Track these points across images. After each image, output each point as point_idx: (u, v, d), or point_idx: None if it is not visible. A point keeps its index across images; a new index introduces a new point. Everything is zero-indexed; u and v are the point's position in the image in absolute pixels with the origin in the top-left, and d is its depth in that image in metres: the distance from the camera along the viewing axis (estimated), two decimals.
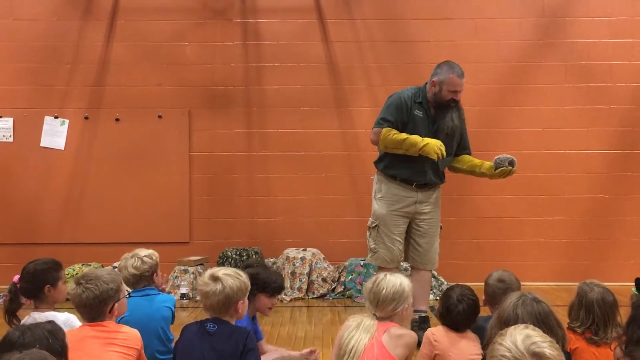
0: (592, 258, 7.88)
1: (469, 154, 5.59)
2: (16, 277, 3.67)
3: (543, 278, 7.76)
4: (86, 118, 7.97)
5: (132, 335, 3.21)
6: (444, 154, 5.05)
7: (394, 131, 5.23)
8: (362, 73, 8.00)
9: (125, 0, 8.02)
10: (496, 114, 7.97)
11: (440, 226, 5.57)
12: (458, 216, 7.92)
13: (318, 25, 8.06)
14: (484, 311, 3.71)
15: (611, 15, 8.00)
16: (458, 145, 5.50)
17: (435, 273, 7.35)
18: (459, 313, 3.43)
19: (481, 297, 3.72)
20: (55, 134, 7.95)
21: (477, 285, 3.82)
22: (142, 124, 7.94)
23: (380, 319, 3.26)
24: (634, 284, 6.56)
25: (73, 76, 8.01)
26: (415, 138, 5.11)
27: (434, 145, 5.02)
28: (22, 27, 7.98)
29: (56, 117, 7.96)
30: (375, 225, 5.41)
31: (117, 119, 7.97)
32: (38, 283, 3.63)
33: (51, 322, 2.66)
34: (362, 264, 7.21)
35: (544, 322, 2.62)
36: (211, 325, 3.20)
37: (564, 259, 7.89)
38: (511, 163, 5.23)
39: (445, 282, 7.23)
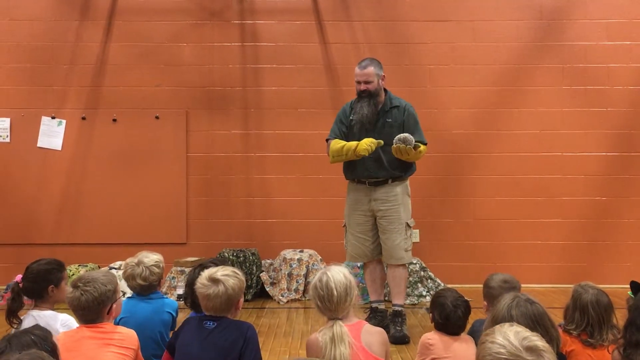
0: (589, 260, 7.88)
1: (420, 142, 5.56)
2: (18, 277, 3.68)
3: (539, 280, 7.76)
4: (83, 119, 7.97)
5: (128, 335, 3.22)
6: (372, 148, 5.27)
7: (335, 142, 5.59)
8: None
9: (123, 1, 8.02)
10: (494, 116, 7.98)
11: (406, 224, 5.59)
12: (454, 218, 7.93)
13: (316, 27, 8.07)
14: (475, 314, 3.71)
15: (609, 17, 8.01)
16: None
17: (432, 275, 7.35)
18: (459, 318, 3.44)
19: (480, 300, 3.72)
20: (52, 134, 7.94)
21: (474, 288, 3.83)
22: (139, 125, 7.94)
23: (342, 319, 3.16)
24: (629, 286, 6.57)
25: (70, 76, 8.00)
26: (350, 143, 5.44)
27: (363, 144, 5.33)
28: (19, 27, 7.97)
29: (53, 118, 7.95)
30: (344, 226, 5.87)
31: (114, 120, 7.96)
32: (42, 283, 3.67)
33: (38, 327, 2.66)
34: (359, 265, 7.20)
35: (539, 322, 2.62)
36: (210, 323, 3.20)
37: (561, 261, 7.90)
38: (402, 140, 5.28)
39: (442, 284, 7.22)
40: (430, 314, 3.54)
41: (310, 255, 7.46)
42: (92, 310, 3.17)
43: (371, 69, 5.57)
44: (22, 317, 3.58)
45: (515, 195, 7.94)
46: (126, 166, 7.92)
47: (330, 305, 3.14)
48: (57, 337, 2.71)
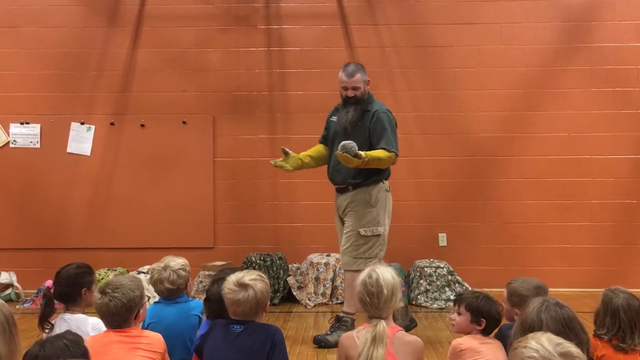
0: (619, 264, 7.78)
1: (383, 148, 5.46)
2: (49, 282, 3.71)
3: (568, 284, 7.68)
4: (112, 124, 8.05)
5: (155, 339, 3.25)
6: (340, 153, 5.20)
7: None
8: (385, 78, 7.99)
9: (150, 8, 8.09)
10: (521, 119, 7.92)
11: (358, 232, 5.47)
12: (481, 221, 7.88)
13: (341, 31, 8.08)
14: None
15: (638, 19, 7.93)
16: (372, 141, 5.50)
17: (460, 278, 7.31)
18: (499, 314, 3.49)
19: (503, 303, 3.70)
20: (81, 140, 8.03)
21: (502, 292, 3.80)
22: (166, 130, 8.00)
23: (385, 319, 3.14)
24: None
25: (99, 83, 8.09)
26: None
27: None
28: (49, 35, 8.08)
29: (82, 123, 8.04)
30: None
31: (142, 125, 8.03)
32: (75, 287, 3.72)
33: (70, 332, 2.69)
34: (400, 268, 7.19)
35: (569, 326, 2.59)
36: (237, 327, 3.22)
37: (590, 265, 7.81)
38: (342, 148, 5.21)
39: (470, 288, 7.18)
40: (477, 318, 3.49)
41: (337, 259, 7.45)
42: (120, 315, 3.20)
43: (358, 76, 5.56)
44: (53, 322, 3.62)
45: (544, 199, 7.87)
46: (154, 171, 7.98)
47: (378, 303, 3.12)
48: (86, 341, 2.73)
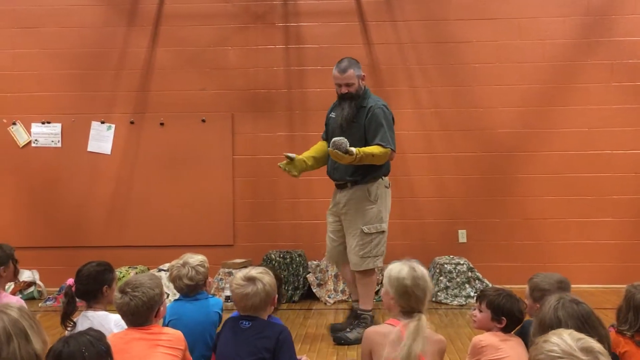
0: None
1: (378, 144, 5.44)
2: (70, 280, 3.75)
3: (590, 281, 7.63)
4: (132, 123, 8.10)
5: (175, 336, 3.27)
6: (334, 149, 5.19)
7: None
8: (404, 75, 7.98)
9: (169, 7, 8.13)
10: (540, 115, 7.87)
11: (361, 230, 5.46)
12: (501, 217, 7.85)
13: (359, 28, 8.07)
14: None
15: None
16: (367, 137, 5.49)
17: (480, 275, 7.28)
18: (521, 312, 3.50)
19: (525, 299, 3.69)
20: (101, 138, 8.09)
21: (522, 288, 3.79)
22: (186, 128, 8.04)
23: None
24: None
25: (119, 82, 8.14)
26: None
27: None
28: (69, 35, 8.14)
29: (102, 122, 8.10)
30: None
31: (161, 124, 8.07)
32: (97, 284, 3.75)
33: (92, 329, 2.71)
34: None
35: (587, 322, 2.57)
36: (246, 323, 3.26)
37: (612, 261, 7.75)
38: (332, 144, 5.22)
39: (490, 285, 7.15)
40: (497, 317, 3.48)
41: None
42: (141, 314, 3.22)
43: (351, 72, 5.53)
44: (75, 319, 3.65)
45: (564, 195, 7.82)
46: (173, 169, 8.02)
47: (423, 298, 3.14)
48: (107, 338, 2.76)
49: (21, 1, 8.16)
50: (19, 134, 8.11)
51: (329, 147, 5.27)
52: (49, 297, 7.40)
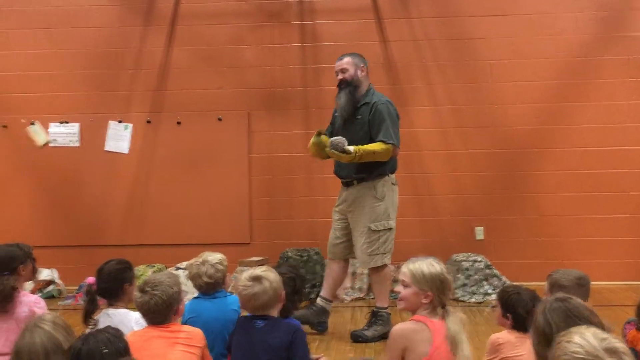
0: None
1: (380, 141, 5.43)
2: (90, 279, 3.78)
3: (609, 277, 7.59)
4: (148, 122, 8.14)
5: (194, 333, 3.30)
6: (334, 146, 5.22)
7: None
8: (420, 72, 7.97)
9: (185, 6, 8.16)
10: (557, 111, 7.83)
11: (369, 227, 5.46)
12: (519, 214, 7.82)
13: (375, 25, 8.06)
14: None
15: None
16: (371, 133, 5.48)
17: (498, 272, 7.26)
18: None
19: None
20: (119, 138, 8.14)
21: (541, 285, 3.77)
22: (202, 127, 8.07)
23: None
24: None
25: (135, 81, 8.19)
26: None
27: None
28: (86, 35, 8.20)
29: (120, 122, 8.15)
30: None
31: (178, 123, 8.11)
32: (117, 282, 3.80)
33: (111, 327, 2.74)
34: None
35: (576, 315, 2.46)
36: (259, 322, 3.27)
37: (631, 257, 7.70)
38: (330, 144, 5.26)
39: (508, 282, 7.12)
40: (505, 313, 3.47)
41: None
42: (161, 312, 3.25)
43: (348, 59, 5.60)
44: (96, 317, 3.68)
45: (581, 191, 7.77)
46: (190, 168, 8.06)
47: (448, 292, 3.22)
48: (127, 337, 2.79)
49: (39, 2, 8.23)
50: (38, 134, 8.16)
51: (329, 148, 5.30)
52: (67, 296, 7.46)
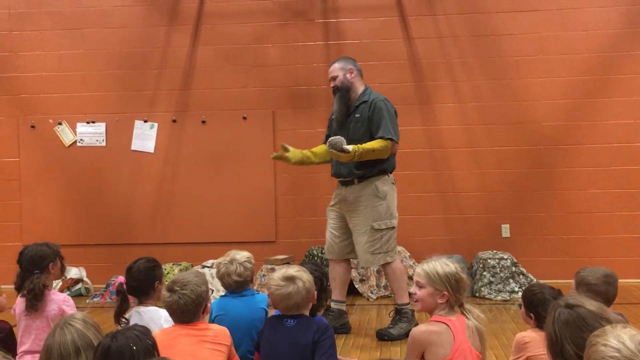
0: None
1: (379, 137, 5.47)
2: (120, 278, 3.81)
3: (637, 275, 7.50)
4: (174, 121, 8.19)
5: (221, 332, 3.31)
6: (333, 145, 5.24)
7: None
8: (445, 69, 7.92)
9: (209, 6, 8.20)
10: (585, 107, 7.75)
11: (372, 226, 5.47)
12: (546, 212, 7.75)
13: (399, 22, 8.03)
14: None
15: None
16: (371, 130, 5.52)
17: (525, 270, 7.20)
18: None
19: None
20: (145, 137, 8.19)
21: (568, 283, 3.74)
22: (227, 126, 8.10)
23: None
24: None
25: (161, 81, 8.24)
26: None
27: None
28: (112, 35, 8.26)
29: (146, 121, 8.20)
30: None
31: (203, 121, 8.15)
32: (148, 280, 3.84)
33: (138, 325, 2.76)
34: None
35: (585, 326, 2.38)
36: (290, 321, 3.27)
37: None
38: (329, 144, 5.29)
39: (535, 280, 7.07)
40: (528, 312, 3.44)
41: (398, 251, 7.42)
42: (190, 311, 3.27)
43: (335, 65, 5.70)
44: (127, 316, 3.71)
45: (610, 188, 7.69)
46: (216, 166, 8.09)
47: (464, 291, 3.23)
48: (155, 334, 2.80)
49: (66, 3, 8.31)
50: (65, 134, 8.27)
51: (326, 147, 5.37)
52: (95, 294, 7.53)
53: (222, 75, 8.17)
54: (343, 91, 5.63)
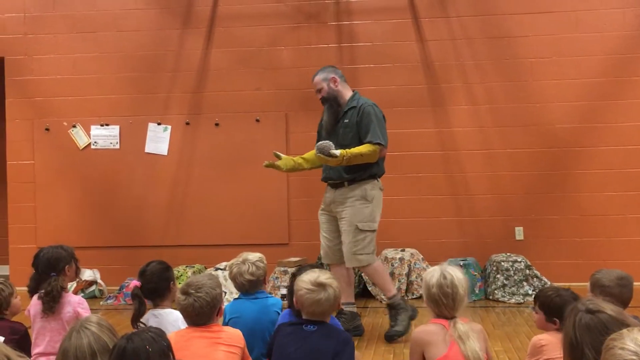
0: None
1: (368, 142, 5.53)
2: (134, 282, 3.80)
3: None
4: (187, 124, 8.21)
5: (234, 334, 3.31)
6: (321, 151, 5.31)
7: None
8: (458, 71, 7.90)
9: (223, 8, 8.22)
10: (600, 109, 7.70)
11: (356, 226, 5.49)
12: (560, 214, 7.70)
13: (412, 25, 8.02)
14: None
15: None
16: (360, 135, 5.56)
17: (538, 273, 7.17)
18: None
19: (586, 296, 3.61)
20: (158, 140, 8.22)
21: (581, 286, 3.72)
22: (240, 128, 8.11)
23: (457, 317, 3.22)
24: None
25: (174, 83, 8.27)
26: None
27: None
28: (126, 38, 8.30)
29: (159, 124, 8.23)
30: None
31: (216, 124, 8.17)
32: (164, 281, 3.85)
33: (153, 327, 2.77)
34: (461, 264, 7.12)
35: (608, 333, 2.39)
36: (311, 326, 3.23)
37: None
38: (317, 148, 5.36)
39: (548, 283, 7.03)
40: (550, 318, 3.41)
41: (411, 254, 7.42)
42: (205, 314, 3.27)
43: (317, 77, 5.75)
44: (143, 320, 3.70)
45: (625, 190, 7.63)
46: (229, 169, 8.11)
47: (453, 304, 3.18)
48: (169, 336, 2.81)
49: (80, 7, 8.36)
50: (79, 137, 8.31)
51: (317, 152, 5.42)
52: (109, 296, 7.56)
53: (235, 78, 8.18)
54: (331, 101, 5.70)
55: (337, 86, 5.71)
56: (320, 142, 5.40)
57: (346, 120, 5.62)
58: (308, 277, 3.29)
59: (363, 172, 5.55)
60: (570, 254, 7.65)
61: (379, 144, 5.47)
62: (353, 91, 5.81)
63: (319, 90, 5.73)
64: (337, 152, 5.28)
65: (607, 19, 7.72)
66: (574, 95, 7.74)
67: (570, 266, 7.54)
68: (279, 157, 5.81)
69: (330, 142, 5.34)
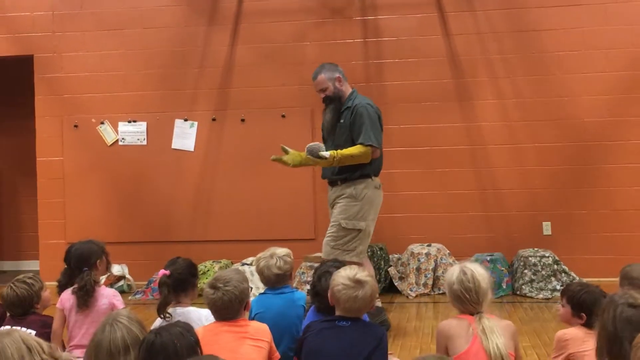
0: None
1: (359, 144, 5.50)
2: (163, 271, 3.81)
3: None
4: (213, 120, 8.25)
5: (261, 328, 3.34)
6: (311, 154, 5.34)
7: None
8: (485, 65, 7.85)
9: (248, 5, 8.24)
10: (629, 102, 7.60)
11: (339, 224, 5.49)
12: (589, 209, 7.62)
13: (438, 19, 7.98)
14: None
15: None
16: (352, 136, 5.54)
17: (567, 268, 7.10)
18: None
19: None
20: (185, 136, 8.27)
21: (611, 282, 3.68)
22: (266, 124, 8.13)
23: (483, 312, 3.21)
24: None
25: (200, 80, 8.31)
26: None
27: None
28: (153, 35, 8.36)
29: (186, 120, 8.28)
30: None
31: (242, 120, 8.20)
32: (191, 277, 3.90)
33: (181, 322, 2.80)
34: (488, 259, 7.09)
35: None
36: (344, 322, 3.23)
37: None
38: (306, 150, 5.36)
39: (577, 278, 6.97)
40: (578, 312, 3.39)
41: (438, 249, 7.40)
42: (233, 308, 3.30)
43: (322, 76, 5.65)
44: (169, 311, 3.72)
45: None
46: (255, 164, 8.13)
47: (477, 297, 3.18)
48: (197, 331, 2.84)
49: (107, 5, 8.43)
50: (107, 133, 8.39)
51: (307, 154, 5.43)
52: (137, 291, 7.63)
53: (261, 74, 8.20)
54: (335, 101, 5.67)
55: (342, 86, 5.70)
56: (309, 144, 5.44)
57: (342, 121, 5.63)
58: (346, 273, 3.29)
59: (353, 172, 5.54)
60: (599, 249, 7.57)
61: (370, 145, 5.45)
62: (352, 89, 5.78)
63: (324, 90, 5.67)
64: (327, 153, 5.31)
65: (636, 11, 7.61)
66: (602, 89, 7.65)
67: (600, 261, 7.46)
68: (286, 152, 5.74)
69: (320, 144, 5.40)
